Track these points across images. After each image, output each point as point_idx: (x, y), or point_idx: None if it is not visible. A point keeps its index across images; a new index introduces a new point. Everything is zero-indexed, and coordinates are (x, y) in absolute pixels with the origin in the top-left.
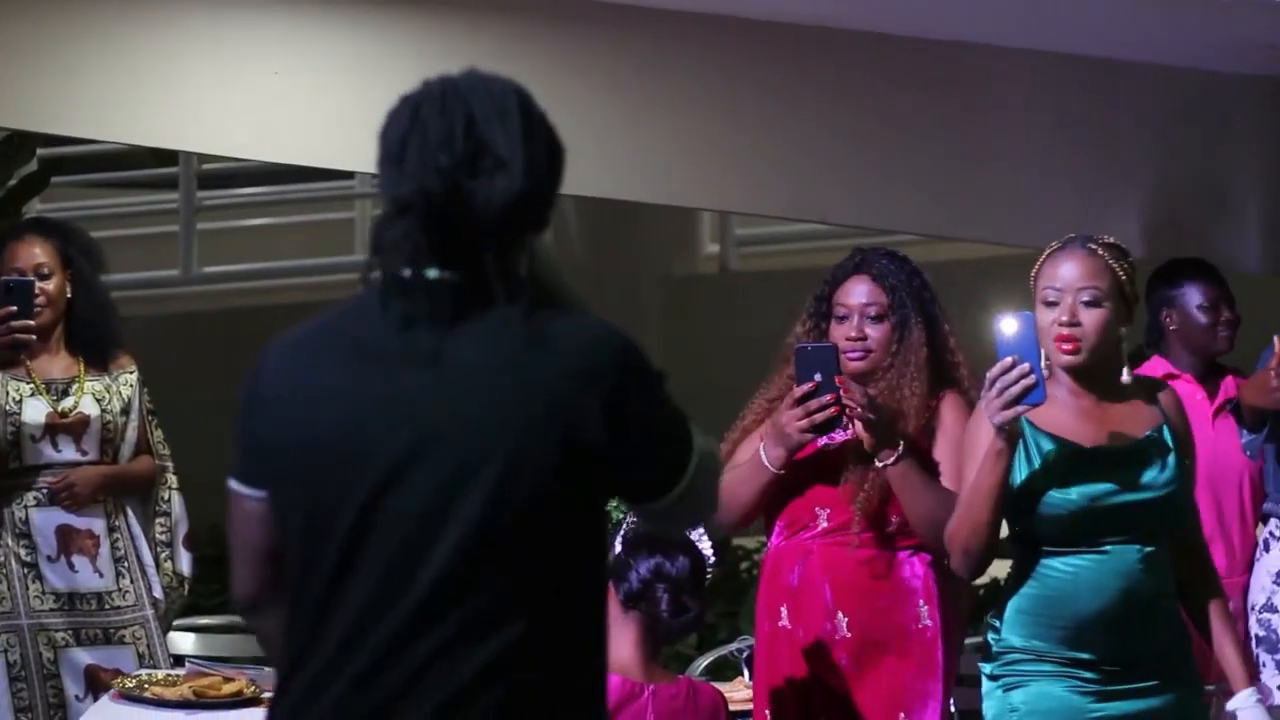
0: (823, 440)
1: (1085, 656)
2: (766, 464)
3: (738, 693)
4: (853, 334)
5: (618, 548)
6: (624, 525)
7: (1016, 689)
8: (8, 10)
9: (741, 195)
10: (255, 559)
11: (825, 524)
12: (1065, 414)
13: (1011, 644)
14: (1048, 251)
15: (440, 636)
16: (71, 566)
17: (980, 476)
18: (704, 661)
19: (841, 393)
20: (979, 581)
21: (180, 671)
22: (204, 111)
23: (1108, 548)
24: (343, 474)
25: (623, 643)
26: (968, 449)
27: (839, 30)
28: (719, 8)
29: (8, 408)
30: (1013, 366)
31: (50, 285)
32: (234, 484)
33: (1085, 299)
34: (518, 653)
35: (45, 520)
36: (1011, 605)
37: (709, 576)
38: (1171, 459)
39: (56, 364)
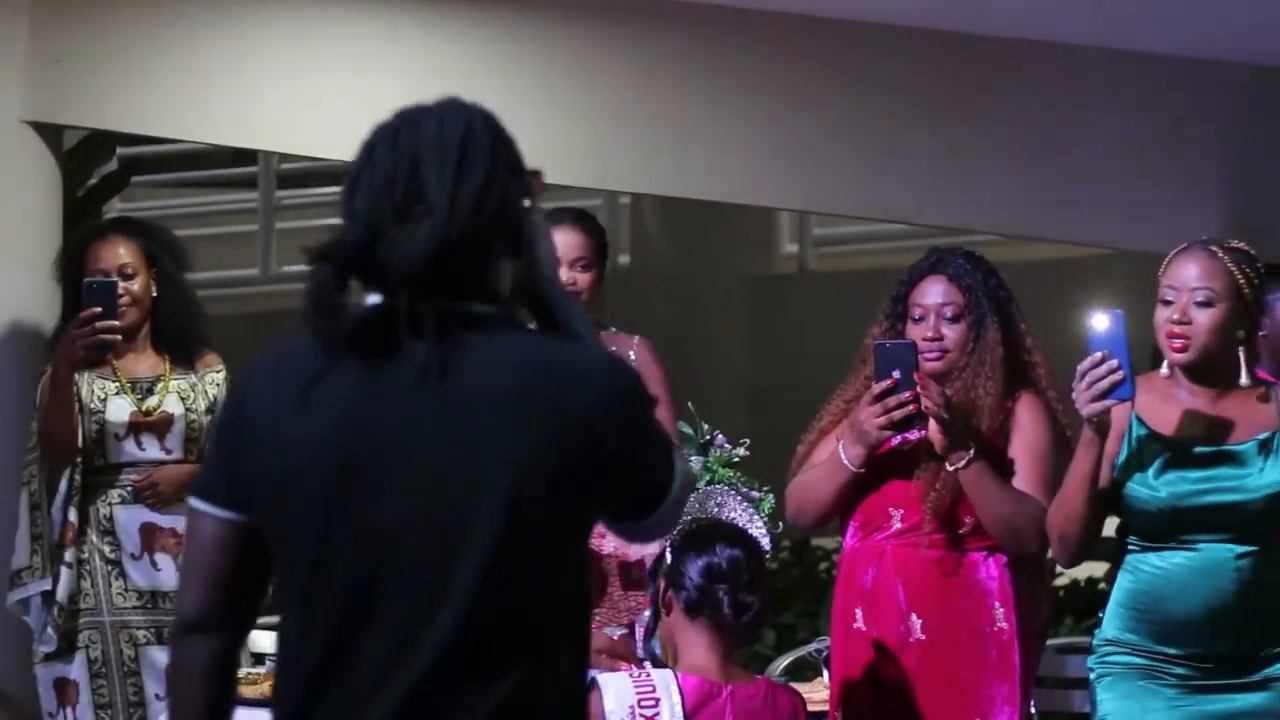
0: (897, 439)
1: (1174, 652)
2: (846, 463)
3: (817, 693)
4: (929, 334)
5: (668, 556)
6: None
7: (1107, 684)
8: (89, 11)
9: (820, 195)
10: (209, 581)
11: (899, 524)
12: (1175, 411)
13: (1107, 636)
14: (1173, 252)
15: (461, 672)
16: (154, 565)
17: (1074, 465)
18: (783, 662)
19: (919, 390)
20: (1059, 583)
21: (261, 669)
22: (283, 111)
23: (1200, 546)
24: (339, 500)
25: (696, 650)
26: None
27: (920, 30)
28: (803, 7)
29: (92, 406)
30: (1102, 361)
31: (135, 285)
32: (200, 504)
33: (1199, 299)
34: (532, 681)
35: (129, 518)
36: (1111, 599)
37: (768, 560)
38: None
39: (142, 363)
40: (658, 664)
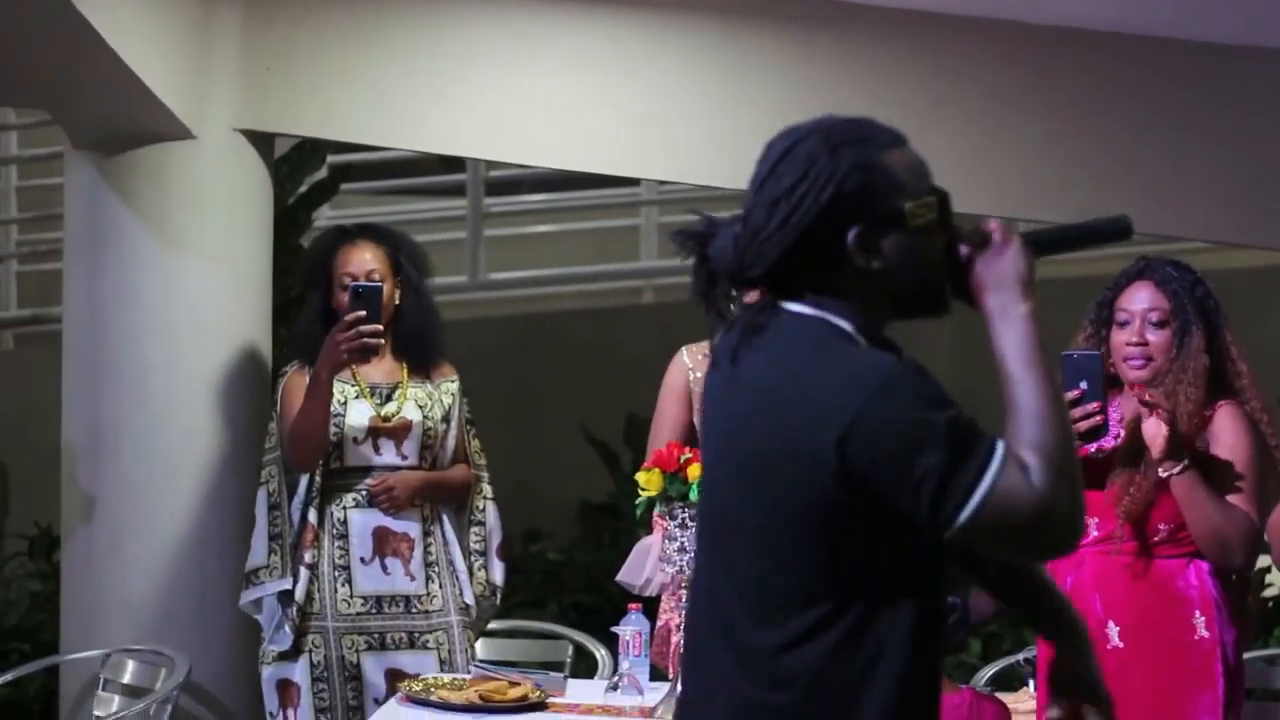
0: (1092, 447)
1: None
2: None
3: (1023, 704)
4: (1134, 339)
5: None
6: None
7: None
8: (299, 20)
9: (1026, 202)
10: None
11: (1095, 533)
12: None
13: None
14: None
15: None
16: (384, 569)
17: None
18: (988, 672)
19: (1114, 400)
20: (1269, 593)
21: (467, 675)
22: (491, 119)
23: None
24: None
25: None
26: None
27: (1123, 35)
28: (996, 11)
29: (332, 410)
30: None
31: (382, 291)
32: None
33: None
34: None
35: (363, 522)
36: None
37: None
38: None
39: (381, 369)
40: None
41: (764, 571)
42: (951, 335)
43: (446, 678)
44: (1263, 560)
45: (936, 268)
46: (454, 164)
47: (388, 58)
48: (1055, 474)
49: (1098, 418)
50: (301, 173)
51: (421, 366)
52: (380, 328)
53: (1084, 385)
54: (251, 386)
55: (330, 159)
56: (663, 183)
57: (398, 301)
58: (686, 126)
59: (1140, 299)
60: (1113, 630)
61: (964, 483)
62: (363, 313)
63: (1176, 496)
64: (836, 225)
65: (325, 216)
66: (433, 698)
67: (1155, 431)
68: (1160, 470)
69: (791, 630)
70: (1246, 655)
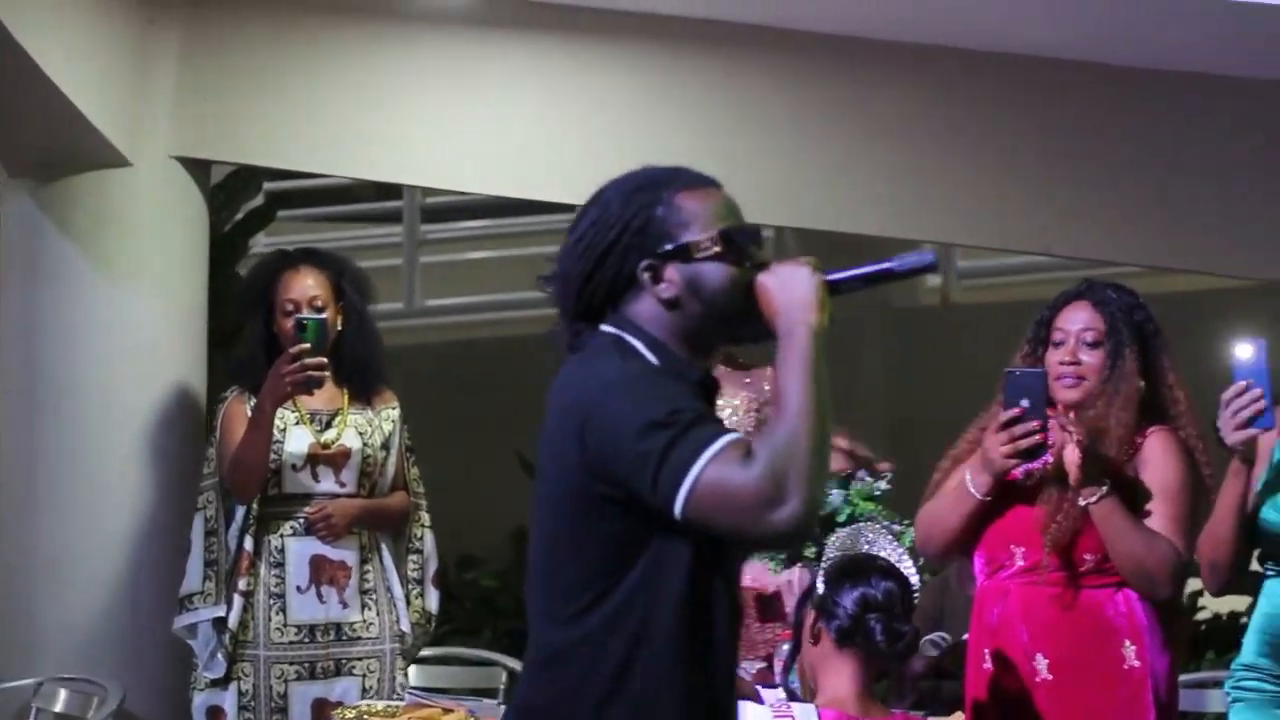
0: (1024, 469)
1: None
2: (971, 490)
3: None
4: (1066, 358)
5: (820, 585)
6: (823, 559)
7: (1238, 710)
8: (236, 48)
9: (963, 227)
10: None
11: (1021, 562)
12: None
13: (1243, 662)
14: None
15: None
16: (320, 596)
17: (1222, 493)
18: None
19: (1050, 420)
20: (1201, 617)
21: (400, 702)
22: (427, 146)
23: None
24: None
25: (841, 678)
26: None
27: (1055, 60)
28: (940, 38)
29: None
30: (1245, 391)
31: (323, 318)
32: None
33: None
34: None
35: (300, 550)
36: (1250, 625)
37: (915, 598)
38: None
39: (322, 395)
40: (795, 698)
41: (551, 568)
42: (888, 361)
43: (380, 705)
44: (1196, 584)
45: (725, 295)
46: (390, 190)
47: (324, 86)
48: (775, 465)
49: (1038, 436)
50: (238, 200)
51: (363, 393)
52: (325, 360)
53: (1025, 403)
54: (186, 414)
55: (267, 186)
56: None
57: (340, 327)
58: (621, 152)
59: (1077, 319)
60: (1041, 663)
61: (679, 466)
62: (307, 345)
63: (1096, 524)
64: (627, 259)
65: (262, 244)
66: None
67: (1071, 459)
68: (1081, 497)
69: (572, 621)
70: (1180, 679)
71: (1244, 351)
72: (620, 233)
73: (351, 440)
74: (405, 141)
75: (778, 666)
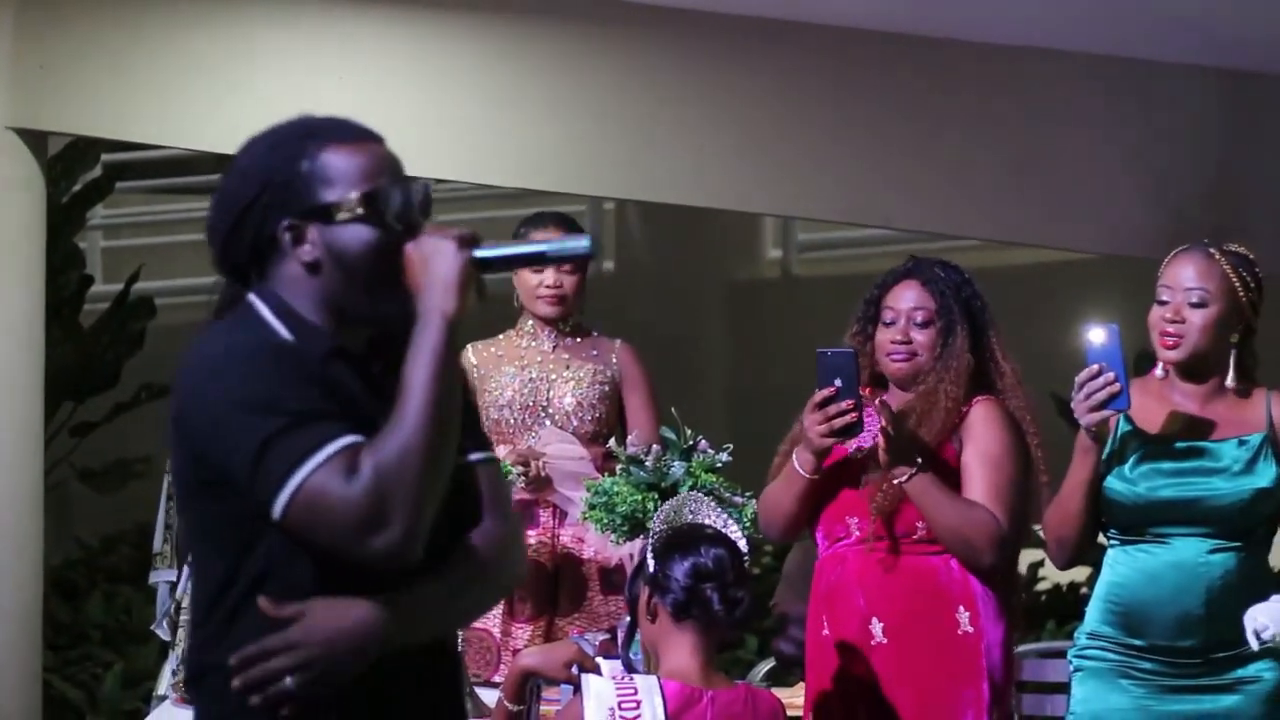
0: (853, 446)
1: (1143, 644)
2: (798, 469)
3: (798, 698)
4: (898, 337)
5: (650, 561)
6: (651, 536)
7: (1080, 678)
8: (73, 18)
9: (803, 200)
10: None
11: (856, 533)
12: (1162, 409)
13: (1086, 630)
14: (1172, 253)
15: None
16: None
17: (1071, 470)
18: (764, 667)
19: (862, 400)
20: (1041, 588)
21: None
22: (268, 117)
23: (1172, 540)
24: None
25: (680, 652)
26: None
27: (898, 35)
28: (785, 12)
29: None
30: (1099, 374)
31: None
32: None
33: (1193, 300)
34: None
35: None
36: (1094, 593)
37: (745, 562)
38: (1265, 465)
39: None
40: (635, 671)
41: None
42: (728, 333)
43: None
44: (1036, 554)
45: (366, 262)
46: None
47: (163, 56)
48: (380, 483)
49: (851, 415)
50: (76, 172)
51: None
52: None
53: (838, 383)
54: (22, 383)
55: (105, 157)
56: (441, 181)
57: None
58: (470, 126)
59: (906, 298)
60: (876, 627)
61: (277, 474)
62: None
63: (913, 501)
64: (267, 217)
65: (100, 215)
66: None
67: (880, 443)
68: (892, 478)
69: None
70: (1021, 649)
71: (1097, 336)
72: (261, 188)
73: None
74: (243, 113)
75: (620, 639)
